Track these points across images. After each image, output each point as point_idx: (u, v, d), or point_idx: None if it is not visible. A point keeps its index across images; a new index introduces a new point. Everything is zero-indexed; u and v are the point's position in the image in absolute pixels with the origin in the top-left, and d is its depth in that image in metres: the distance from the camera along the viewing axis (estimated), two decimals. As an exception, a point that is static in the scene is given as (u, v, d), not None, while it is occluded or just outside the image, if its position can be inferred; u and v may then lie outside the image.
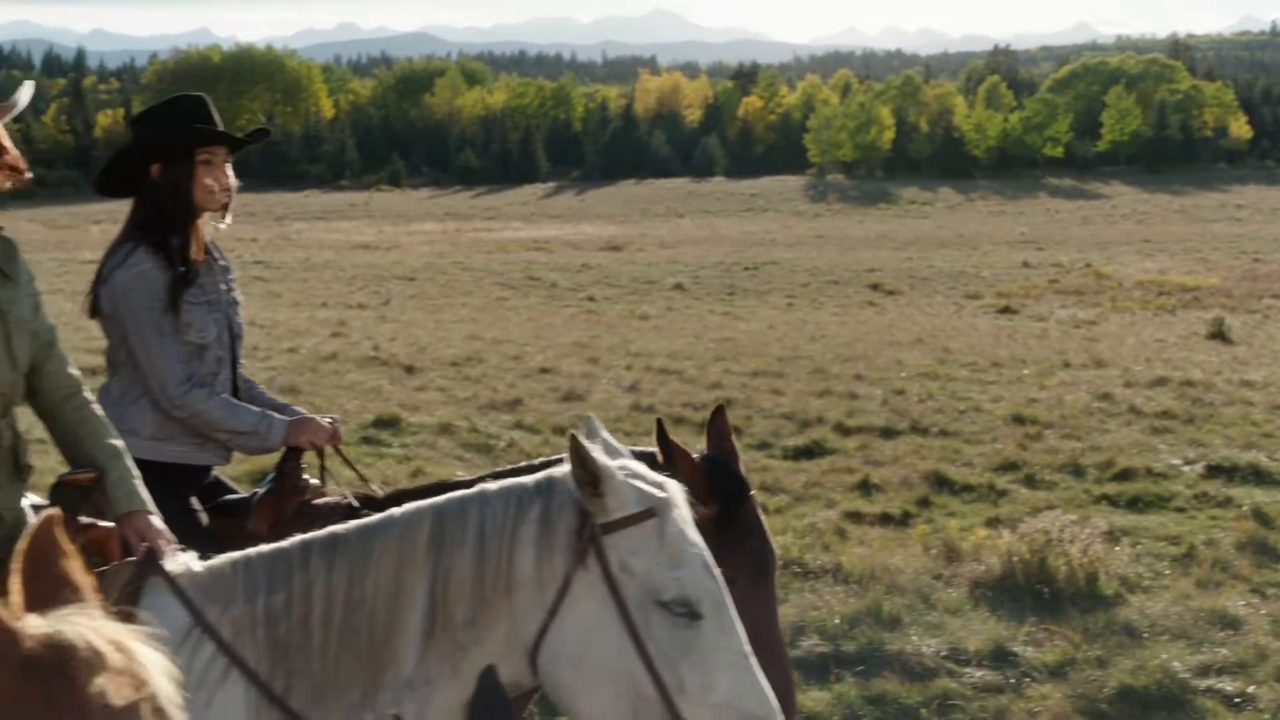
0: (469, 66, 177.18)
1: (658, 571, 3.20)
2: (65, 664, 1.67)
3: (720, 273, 38.49)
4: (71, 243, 51.10)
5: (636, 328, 24.11)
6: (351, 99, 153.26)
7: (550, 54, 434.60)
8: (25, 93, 3.87)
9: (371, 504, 4.50)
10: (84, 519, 3.78)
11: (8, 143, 3.81)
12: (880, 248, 50.22)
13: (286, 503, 4.70)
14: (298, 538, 3.41)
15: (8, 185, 3.81)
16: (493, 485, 3.36)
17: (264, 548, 3.45)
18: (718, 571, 3.26)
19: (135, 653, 1.74)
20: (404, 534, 3.30)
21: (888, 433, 13.49)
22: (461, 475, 5.60)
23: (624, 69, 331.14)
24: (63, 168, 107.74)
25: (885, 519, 10.22)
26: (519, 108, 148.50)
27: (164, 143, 4.82)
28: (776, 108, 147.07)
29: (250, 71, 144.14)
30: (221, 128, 4.94)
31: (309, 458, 4.88)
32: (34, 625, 1.70)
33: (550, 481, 3.32)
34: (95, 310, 4.81)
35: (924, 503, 10.72)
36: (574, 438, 3.21)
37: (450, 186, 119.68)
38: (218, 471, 5.06)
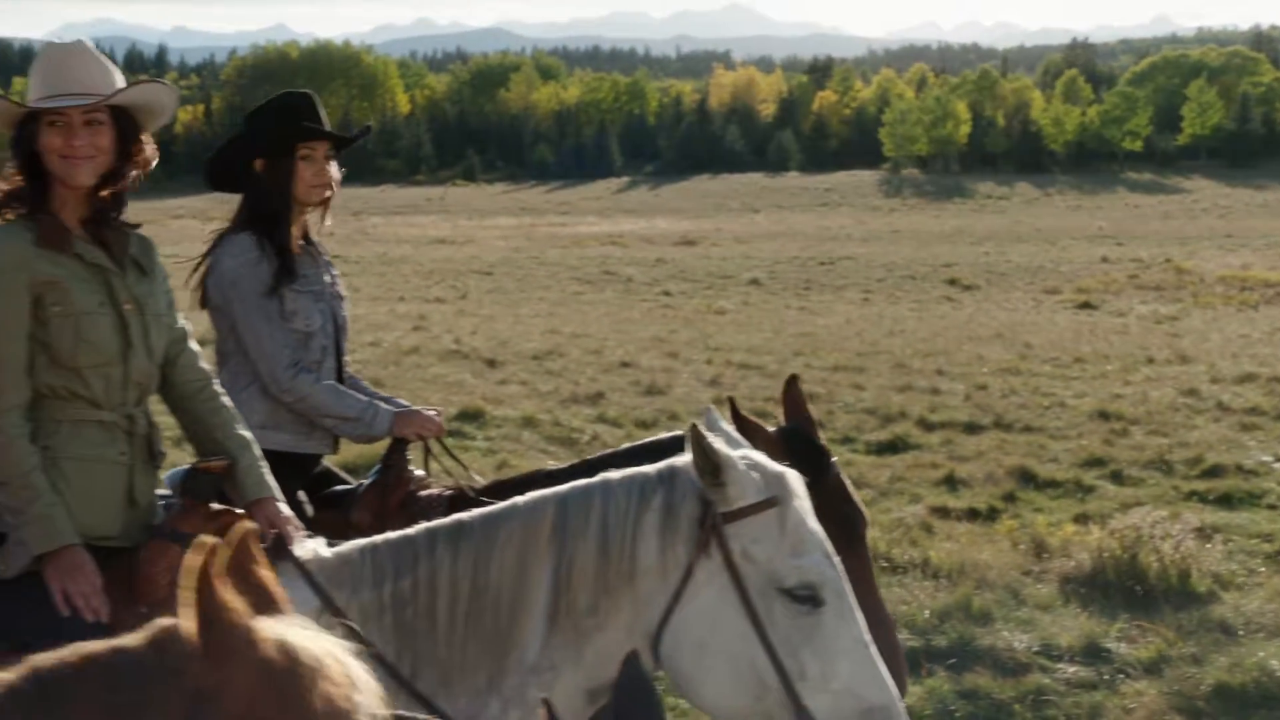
0: (544, 62, 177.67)
1: (779, 559, 3.24)
2: (296, 669, 1.76)
3: (796, 268, 38.35)
4: (153, 237, 51.59)
5: (713, 322, 24.09)
6: (427, 94, 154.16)
7: (624, 49, 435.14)
8: (169, 96, 3.97)
9: (470, 497, 4.54)
10: (215, 505, 3.88)
11: (149, 143, 3.94)
12: (956, 243, 49.86)
13: (391, 494, 4.75)
14: (423, 525, 3.49)
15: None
16: (615, 474, 3.43)
17: (390, 535, 3.54)
18: (838, 560, 3.29)
19: (349, 665, 1.83)
20: (528, 522, 3.35)
21: (971, 428, 13.41)
22: (554, 464, 5.62)
23: (697, 64, 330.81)
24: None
25: (972, 514, 10.17)
26: (593, 103, 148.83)
27: (266, 138, 4.93)
28: (851, 102, 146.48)
29: (328, 67, 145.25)
30: (327, 125, 5.03)
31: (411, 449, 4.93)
32: (266, 629, 1.78)
33: (672, 471, 3.38)
34: (205, 302, 4.91)
35: (1010, 498, 10.65)
36: (695, 428, 3.27)
37: (525, 181, 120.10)
38: (328, 462, 5.14)
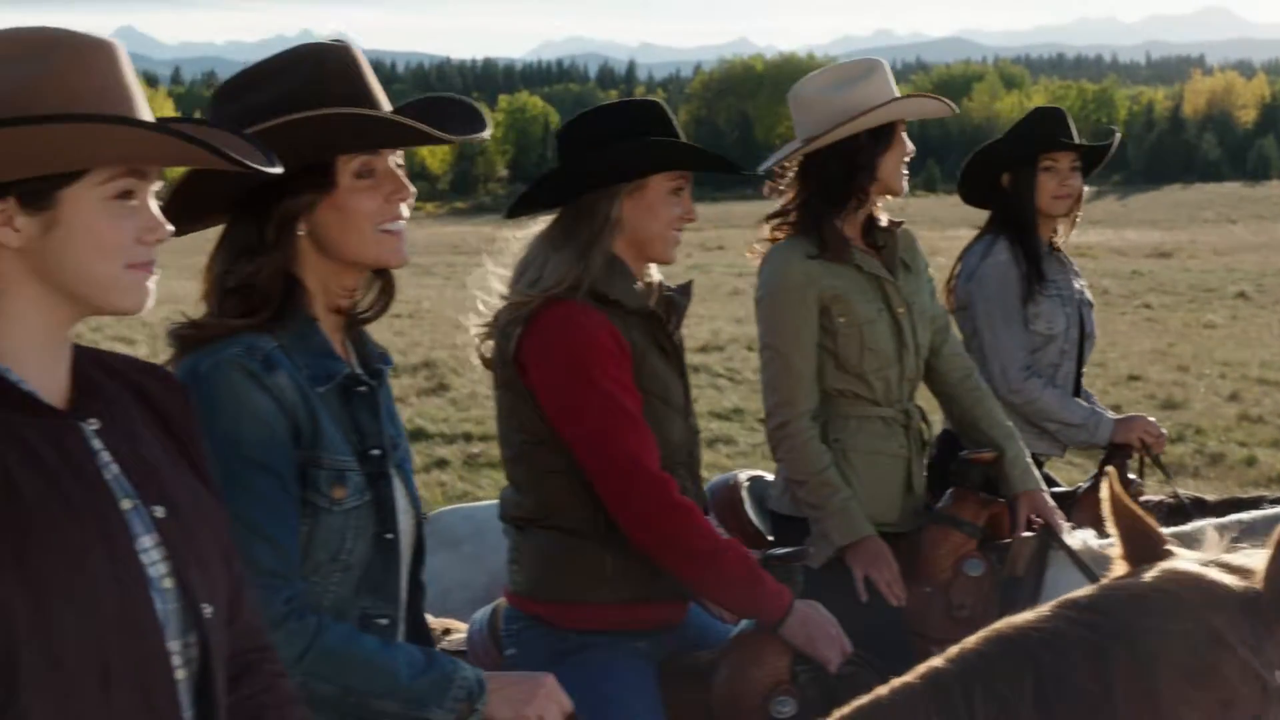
0: (1007, 70, 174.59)
1: None
2: None
3: (1287, 280, 36.00)
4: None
5: (1206, 336, 22.88)
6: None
7: (1090, 55, 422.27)
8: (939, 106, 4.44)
9: (1201, 508, 4.55)
10: (985, 495, 4.08)
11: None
12: None
13: None
14: (1198, 523, 3.50)
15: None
16: None
17: (1166, 531, 3.52)
18: None
19: None
20: None
21: None
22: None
23: (1169, 69, 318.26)
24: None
25: None
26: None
27: (1010, 151, 5.18)
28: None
29: (790, 79, 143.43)
30: (1076, 137, 5.20)
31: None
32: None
33: None
34: (954, 302, 5.13)
35: None
36: None
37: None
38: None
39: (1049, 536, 3.90)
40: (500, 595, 3.83)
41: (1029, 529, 4.05)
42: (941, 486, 4.23)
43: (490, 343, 3.47)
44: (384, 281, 2.75)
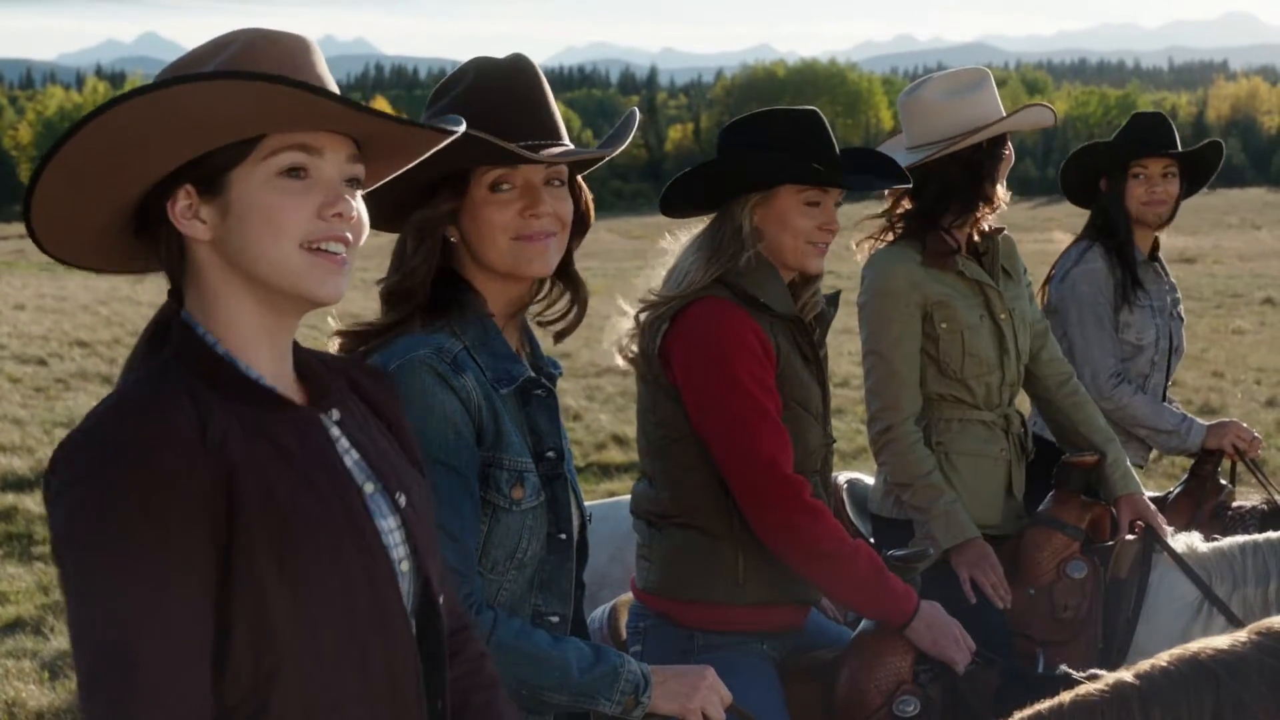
0: (1029, 76, 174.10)
1: None
2: None
3: (1315, 288, 35.76)
4: (648, 252, 53.26)
5: (1236, 342, 22.71)
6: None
7: (1113, 61, 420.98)
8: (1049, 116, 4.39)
9: None
10: (1085, 498, 4.10)
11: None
12: None
13: (1203, 504, 4.76)
14: None
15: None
16: None
17: (1272, 535, 3.66)
18: None
19: None
20: None
21: None
22: None
23: (1192, 75, 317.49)
24: (637, 180, 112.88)
25: None
26: (1081, 117, 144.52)
27: (1107, 154, 5.15)
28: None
29: (813, 85, 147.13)
30: (1179, 146, 5.15)
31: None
32: None
33: None
34: (1046, 305, 5.11)
35: None
36: None
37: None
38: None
39: (1152, 539, 3.92)
40: (605, 592, 3.89)
41: (1131, 532, 4.08)
42: (1035, 490, 4.26)
43: (634, 341, 3.53)
44: (573, 291, 2.83)
